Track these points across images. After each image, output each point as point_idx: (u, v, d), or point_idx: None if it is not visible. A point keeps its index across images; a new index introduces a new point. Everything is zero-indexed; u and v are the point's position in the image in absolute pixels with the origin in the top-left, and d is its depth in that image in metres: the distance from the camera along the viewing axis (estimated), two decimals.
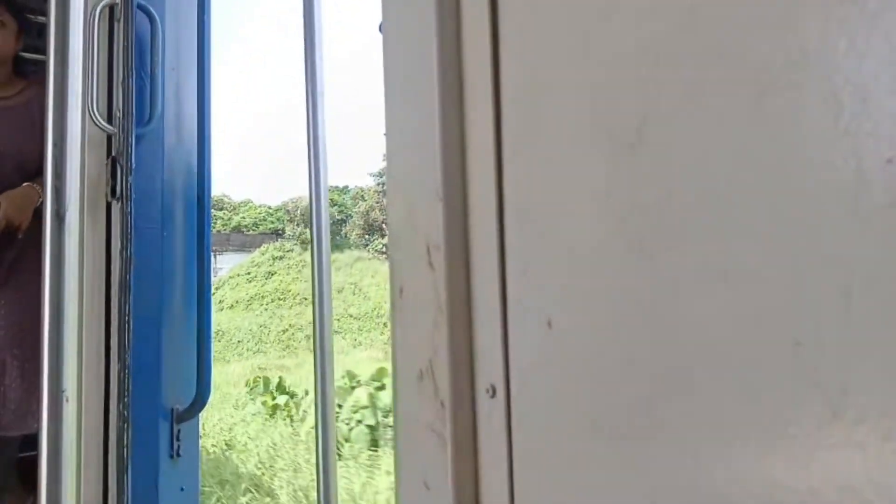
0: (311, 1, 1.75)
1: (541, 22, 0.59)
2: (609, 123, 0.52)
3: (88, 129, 1.89)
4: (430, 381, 0.66)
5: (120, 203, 1.88)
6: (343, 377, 6.70)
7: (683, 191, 0.47)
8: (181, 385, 2.05)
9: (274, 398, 7.00)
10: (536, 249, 0.59)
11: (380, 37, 0.76)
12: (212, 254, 2.17)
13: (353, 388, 6.06)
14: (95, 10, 1.91)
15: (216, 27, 2.22)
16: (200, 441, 2.16)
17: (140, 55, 2.02)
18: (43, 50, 1.93)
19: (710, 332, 0.45)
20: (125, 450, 1.78)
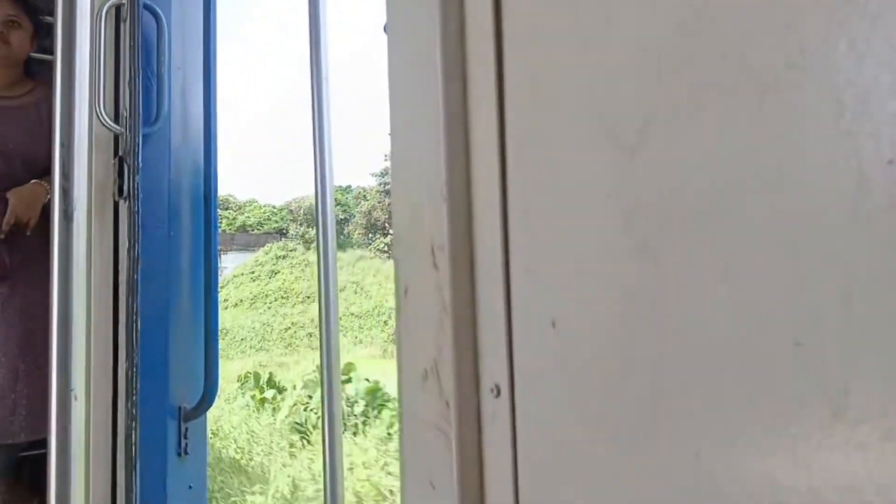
0: (317, 5, 1.75)
1: (544, 24, 0.59)
2: (611, 124, 0.52)
3: (95, 129, 1.90)
4: (435, 380, 0.67)
5: (127, 202, 1.89)
6: (314, 371, 7.15)
7: (685, 192, 0.47)
8: (189, 384, 2.06)
9: (262, 392, 7.22)
10: (540, 250, 0.59)
11: (381, 36, 0.76)
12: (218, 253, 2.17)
13: (322, 382, 6.35)
14: (102, 10, 1.91)
15: (220, 26, 2.23)
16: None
17: (146, 55, 2.03)
18: (50, 50, 1.94)
19: (712, 332, 0.45)
20: (133, 448, 1.79)
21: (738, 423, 0.44)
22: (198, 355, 2.08)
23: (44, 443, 1.79)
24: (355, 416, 5.97)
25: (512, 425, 0.61)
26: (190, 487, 2.05)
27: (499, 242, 0.62)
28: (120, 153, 1.92)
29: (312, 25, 1.76)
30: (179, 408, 2.03)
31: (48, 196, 2.15)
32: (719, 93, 0.45)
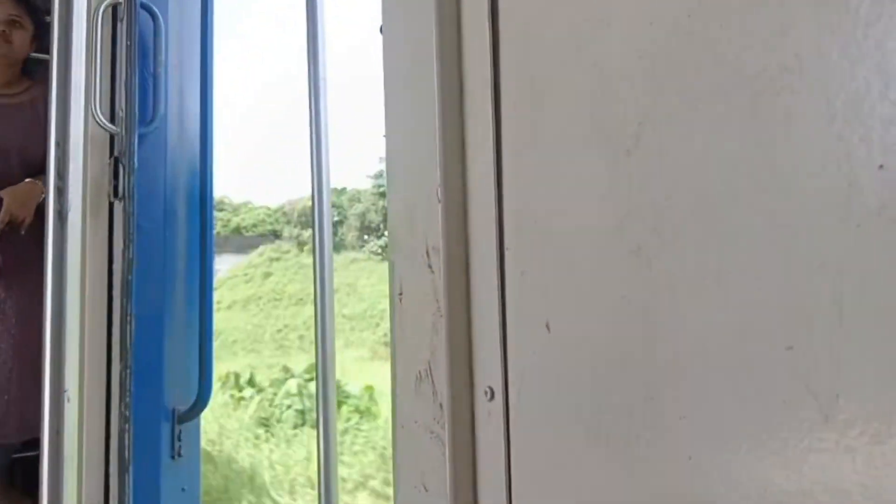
0: (314, 3, 1.75)
1: (540, 27, 0.59)
2: (607, 128, 0.53)
3: (91, 129, 1.90)
4: (429, 383, 0.67)
5: (122, 203, 1.88)
6: (280, 371, 7.99)
7: (678, 196, 0.47)
8: (183, 386, 2.05)
9: (241, 391, 7.49)
10: (535, 253, 0.60)
11: (376, 36, 0.76)
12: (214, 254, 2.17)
13: (286, 379, 7.52)
14: (99, 10, 1.91)
15: (216, 25, 2.23)
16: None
17: (143, 54, 2.02)
18: (46, 49, 1.93)
19: (704, 335, 0.46)
20: (127, 450, 1.79)
21: (731, 425, 0.44)
22: (192, 357, 2.07)
23: (36, 444, 1.78)
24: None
25: (506, 428, 0.61)
26: (183, 490, 2.04)
27: (494, 245, 0.62)
28: (115, 153, 1.91)
29: (310, 26, 1.76)
30: (173, 410, 2.02)
31: (42, 195, 2.14)
32: (713, 96, 0.45)
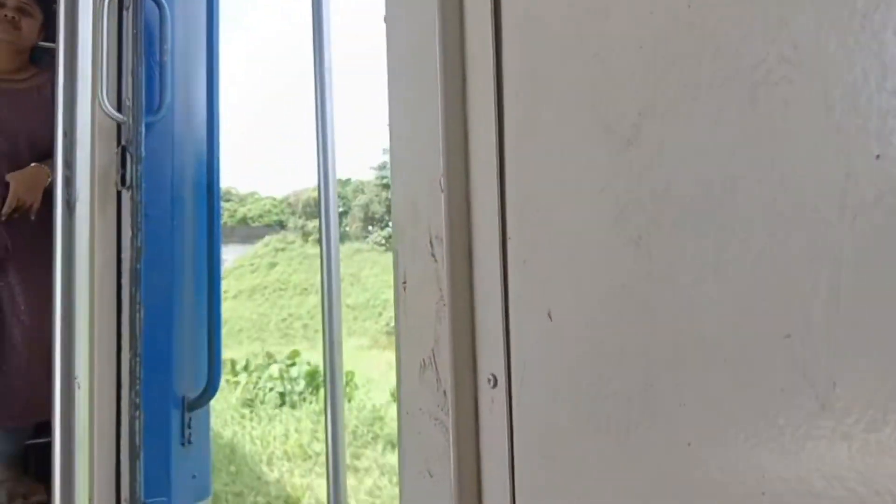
0: None
1: (541, 18, 0.59)
2: (607, 118, 0.53)
3: (98, 118, 1.90)
4: (433, 370, 0.68)
5: (130, 192, 1.90)
6: (264, 357, 8.61)
7: (678, 186, 0.47)
8: (192, 373, 2.07)
9: (236, 375, 7.85)
10: (537, 241, 0.60)
11: (378, 28, 0.77)
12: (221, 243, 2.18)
13: (269, 364, 8.07)
14: None
15: (221, 14, 2.23)
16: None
17: (149, 43, 2.03)
18: (53, 38, 1.94)
19: (703, 324, 0.46)
20: (137, 437, 1.81)
21: (729, 413, 0.45)
22: (201, 345, 2.09)
23: (48, 431, 1.80)
24: (296, 393, 7.27)
25: (509, 415, 0.62)
26: (194, 477, 2.06)
27: (496, 234, 0.63)
28: (123, 142, 1.92)
29: (315, 17, 1.76)
30: (183, 397, 2.04)
31: (49, 179, 2.16)
32: (713, 87, 0.46)
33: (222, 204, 2.35)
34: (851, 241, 0.39)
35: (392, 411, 6.40)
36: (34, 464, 2.34)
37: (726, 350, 0.45)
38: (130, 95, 1.95)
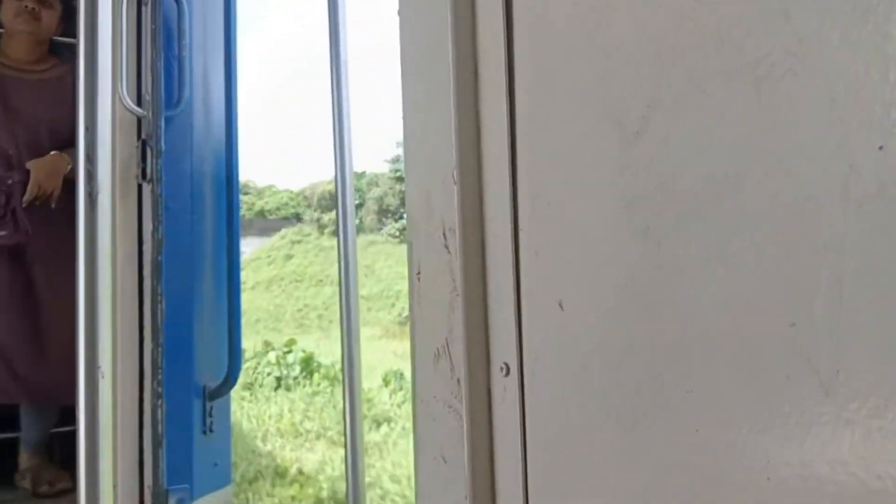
0: None
1: (552, 13, 0.60)
2: (616, 111, 0.54)
3: (118, 113, 1.93)
4: (447, 359, 0.69)
5: (150, 185, 1.92)
6: (263, 345, 9.12)
7: (684, 178, 0.48)
8: (213, 363, 2.10)
9: (245, 363, 8.29)
10: (548, 233, 0.61)
11: (393, 20, 0.78)
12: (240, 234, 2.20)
13: (267, 352, 8.62)
14: None
15: (239, 9, 2.25)
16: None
17: (168, 38, 2.05)
18: (73, 32, 1.97)
19: (710, 313, 0.47)
20: (160, 425, 1.84)
21: (736, 400, 0.46)
22: (221, 335, 2.11)
23: (73, 419, 1.84)
24: (292, 377, 7.82)
25: (521, 402, 0.63)
26: (215, 465, 2.09)
27: (508, 225, 0.64)
28: (143, 136, 1.95)
29: (331, 12, 1.77)
30: (204, 387, 2.07)
31: (69, 167, 2.20)
32: (718, 80, 0.46)
33: (241, 197, 2.37)
34: (855, 232, 0.40)
35: (381, 395, 6.79)
36: (59, 452, 2.39)
37: (732, 339, 0.46)
38: (150, 90, 1.97)
